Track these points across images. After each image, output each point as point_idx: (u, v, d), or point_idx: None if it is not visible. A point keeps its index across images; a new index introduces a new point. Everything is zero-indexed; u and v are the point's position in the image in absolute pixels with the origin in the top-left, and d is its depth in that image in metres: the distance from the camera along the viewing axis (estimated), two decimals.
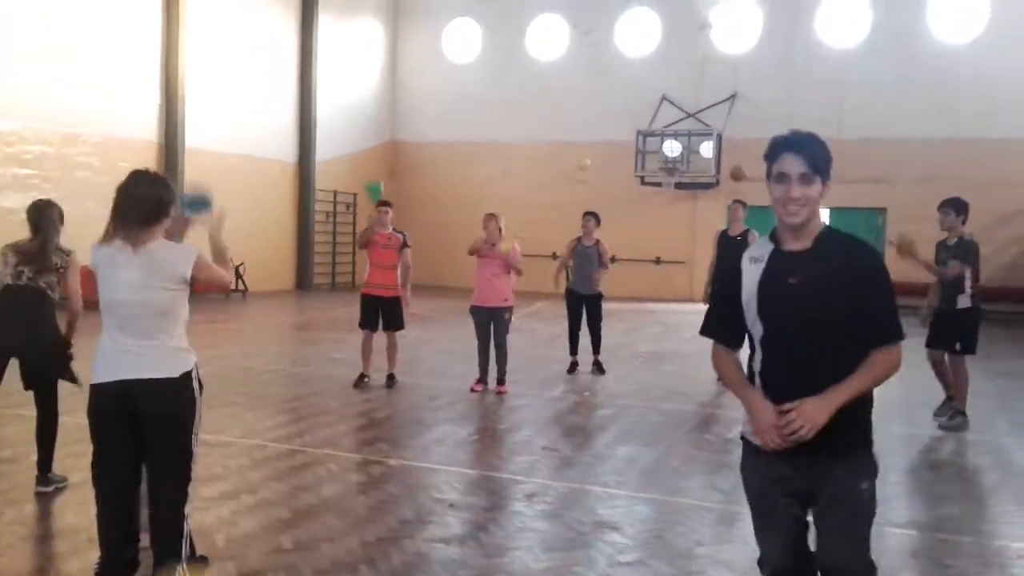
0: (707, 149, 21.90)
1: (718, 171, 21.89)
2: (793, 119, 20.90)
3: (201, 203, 4.23)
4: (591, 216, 10.48)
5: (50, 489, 5.22)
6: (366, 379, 8.98)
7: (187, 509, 3.68)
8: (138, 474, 3.73)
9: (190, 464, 3.68)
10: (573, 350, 10.47)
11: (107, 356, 3.60)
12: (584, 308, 10.41)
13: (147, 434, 3.59)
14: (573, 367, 10.36)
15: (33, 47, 15.54)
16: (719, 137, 21.78)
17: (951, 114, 20.71)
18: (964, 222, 7.61)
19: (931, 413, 8.04)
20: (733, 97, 22.35)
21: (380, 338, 9.11)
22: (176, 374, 3.60)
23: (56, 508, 5.05)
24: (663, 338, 14.48)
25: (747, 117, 22.09)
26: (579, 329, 10.44)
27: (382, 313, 8.97)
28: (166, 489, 3.64)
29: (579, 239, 10.43)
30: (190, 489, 3.70)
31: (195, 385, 3.69)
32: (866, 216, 21.52)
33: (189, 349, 3.73)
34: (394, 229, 9.15)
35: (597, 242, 10.38)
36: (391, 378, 9.08)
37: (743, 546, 4.68)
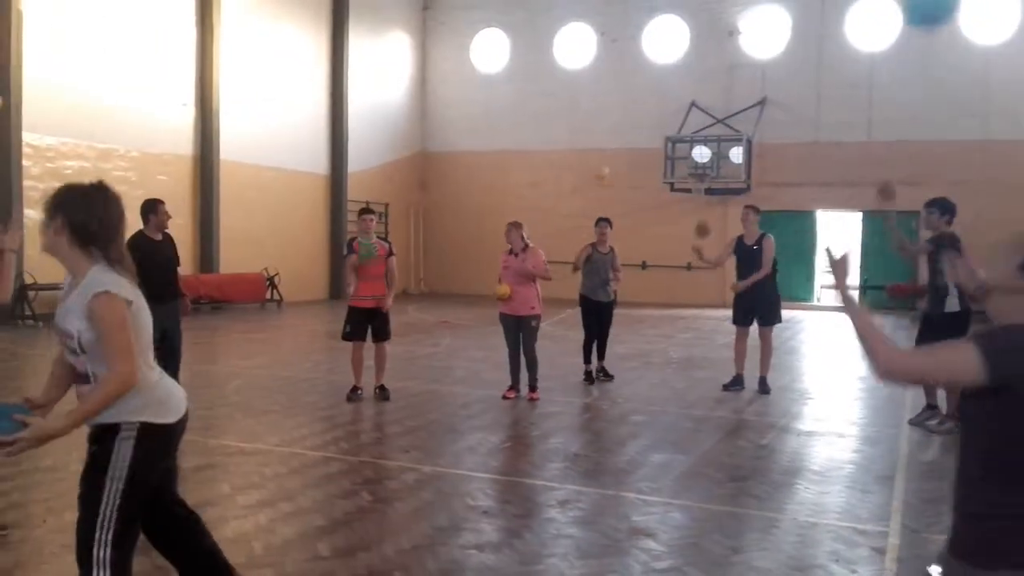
0: (737, 154, 21.80)
1: (748, 176, 21.79)
2: (822, 122, 21.01)
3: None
4: (607, 222, 10.24)
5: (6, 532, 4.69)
6: (359, 391, 8.73)
7: (101, 554, 3.12)
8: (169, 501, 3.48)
9: (94, 523, 3.13)
10: (588, 358, 10.24)
11: (179, 390, 3.33)
12: (599, 316, 10.19)
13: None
14: (589, 376, 10.14)
15: (70, 63, 15.87)
16: (749, 142, 21.68)
17: (983, 116, 20.45)
18: (948, 224, 7.63)
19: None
20: (763, 102, 22.25)
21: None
22: (108, 420, 3.09)
23: None
24: (695, 344, 14.41)
25: (777, 121, 22.00)
26: (595, 339, 10.21)
27: (371, 324, 8.73)
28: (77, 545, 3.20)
29: (593, 245, 10.17)
30: (101, 556, 3.11)
31: (124, 443, 3.12)
32: (900, 219, 21.27)
33: (138, 397, 3.10)
34: (378, 237, 9.00)
35: (611, 249, 10.16)
36: (383, 389, 8.80)
37: (778, 553, 4.66)
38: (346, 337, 8.77)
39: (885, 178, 8.07)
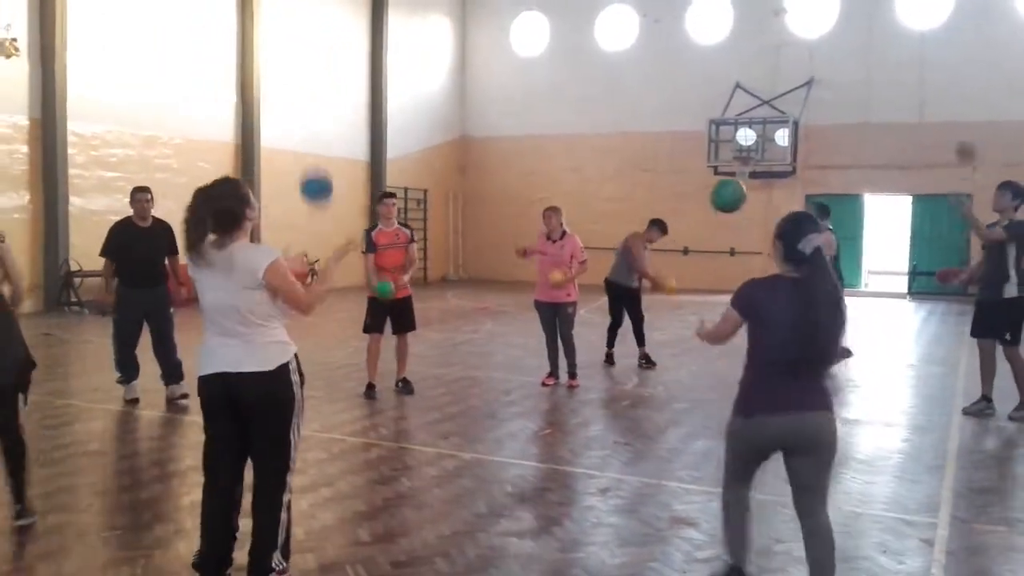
0: (783, 137, 21.41)
1: (794, 159, 21.40)
2: (872, 103, 20.47)
3: (320, 189, 4.44)
4: (664, 232, 10.45)
5: (33, 520, 4.63)
6: (375, 388, 8.32)
7: (286, 499, 3.78)
8: (240, 470, 3.86)
9: (288, 454, 3.78)
10: (611, 343, 10.42)
11: (208, 351, 3.77)
12: (627, 301, 10.35)
13: (249, 425, 3.74)
14: (610, 358, 10.32)
15: (113, 52, 16.07)
16: (795, 124, 21.29)
17: None
18: (1016, 209, 7.41)
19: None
20: (810, 83, 21.81)
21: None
22: (270, 367, 3.70)
23: (143, 501, 5.20)
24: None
25: (825, 103, 21.56)
26: (621, 325, 10.41)
27: (392, 316, 8.26)
28: (264, 477, 3.76)
29: (641, 236, 10.34)
30: (289, 479, 3.80)
31: (293, 378, 3.79)
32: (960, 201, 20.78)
33: (287, 342, 3.80)
34: (400, 223, 8.38)
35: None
36: (405, 383, 8.50)
37: None
38: (366, 330, 8.39)
39: (964, 139, 7.94)
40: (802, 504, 3.74)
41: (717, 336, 3.86)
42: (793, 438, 3.62)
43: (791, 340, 3.51)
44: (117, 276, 7.62)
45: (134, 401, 7.70)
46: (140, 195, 7.83)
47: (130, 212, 7.80)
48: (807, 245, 3.53)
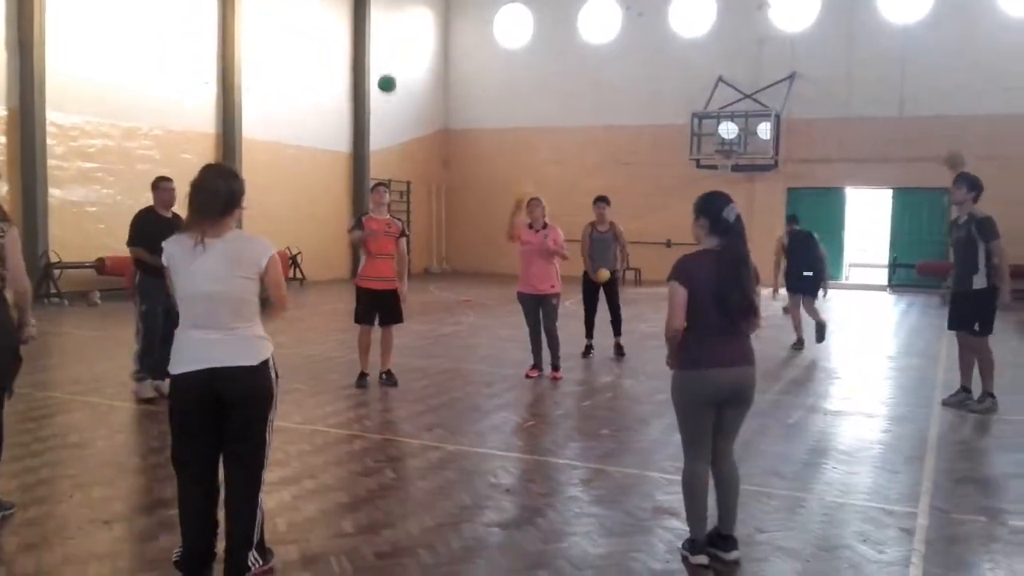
0: (765, 130, 21.52)
1: (776, 152, 21.50)
2: (854, 97, 20.58)
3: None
4: (604, 202, 10.39)
5: (12, 511, 4.58)
6: (366, 377, 8.39)
7: (260, 497, 3.77)
8: (217, 465, 3.80)
9: (265, 452, 3.77)
10: (590, 332, 10.45)
11: (189, 347, 3.68)
12: (601, 292, 10.35)
13: (227, 421, 3.68)
14: (588, 349, 10.37)
15: (93, 42, 15.91)
16: (777, 117, 21.39)
17: (1018, 90, 20.00)
18: (975, 200, 7.52)
19: (1008, 398, 7.80)
20: (792, 76, 21.91)
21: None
22: (256, 362, 3.68)
23: (124, 493, 5.17)
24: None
25: (807, 97, 21.67)
26: (595, 313, 10.43)
27: (380, 307, 8.27)
28: (242, 475, 3.72)
29: (593, 225, 10.35)
30: (264, 476, 3.79)
31: (272, 374, 3.76)
32: (931, 196, 20.96)
33: (266, 337, 3.78)
34: (392, 216, 8.39)
35: (612, 225, 10.35)
36: (389, 375, 8.43)
37: (805, 533, 4.60)
38: (357, 320, 8.41)
39: (953, 149, 8.19)
40: (721, 449, 4.15)
41: (672, 318, 4.06)
42: (733, 388, 4.03)
43: (716, 303, 3.98)
44: (140, 266, 7.52)
45: (149, 400, 7.48)
46: (166, 183, 7.67)
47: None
48: (730, 213, 4.02)
